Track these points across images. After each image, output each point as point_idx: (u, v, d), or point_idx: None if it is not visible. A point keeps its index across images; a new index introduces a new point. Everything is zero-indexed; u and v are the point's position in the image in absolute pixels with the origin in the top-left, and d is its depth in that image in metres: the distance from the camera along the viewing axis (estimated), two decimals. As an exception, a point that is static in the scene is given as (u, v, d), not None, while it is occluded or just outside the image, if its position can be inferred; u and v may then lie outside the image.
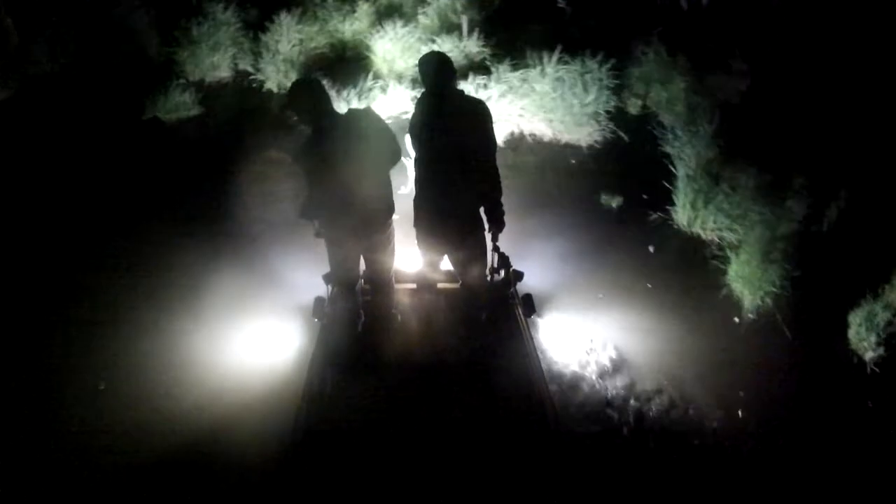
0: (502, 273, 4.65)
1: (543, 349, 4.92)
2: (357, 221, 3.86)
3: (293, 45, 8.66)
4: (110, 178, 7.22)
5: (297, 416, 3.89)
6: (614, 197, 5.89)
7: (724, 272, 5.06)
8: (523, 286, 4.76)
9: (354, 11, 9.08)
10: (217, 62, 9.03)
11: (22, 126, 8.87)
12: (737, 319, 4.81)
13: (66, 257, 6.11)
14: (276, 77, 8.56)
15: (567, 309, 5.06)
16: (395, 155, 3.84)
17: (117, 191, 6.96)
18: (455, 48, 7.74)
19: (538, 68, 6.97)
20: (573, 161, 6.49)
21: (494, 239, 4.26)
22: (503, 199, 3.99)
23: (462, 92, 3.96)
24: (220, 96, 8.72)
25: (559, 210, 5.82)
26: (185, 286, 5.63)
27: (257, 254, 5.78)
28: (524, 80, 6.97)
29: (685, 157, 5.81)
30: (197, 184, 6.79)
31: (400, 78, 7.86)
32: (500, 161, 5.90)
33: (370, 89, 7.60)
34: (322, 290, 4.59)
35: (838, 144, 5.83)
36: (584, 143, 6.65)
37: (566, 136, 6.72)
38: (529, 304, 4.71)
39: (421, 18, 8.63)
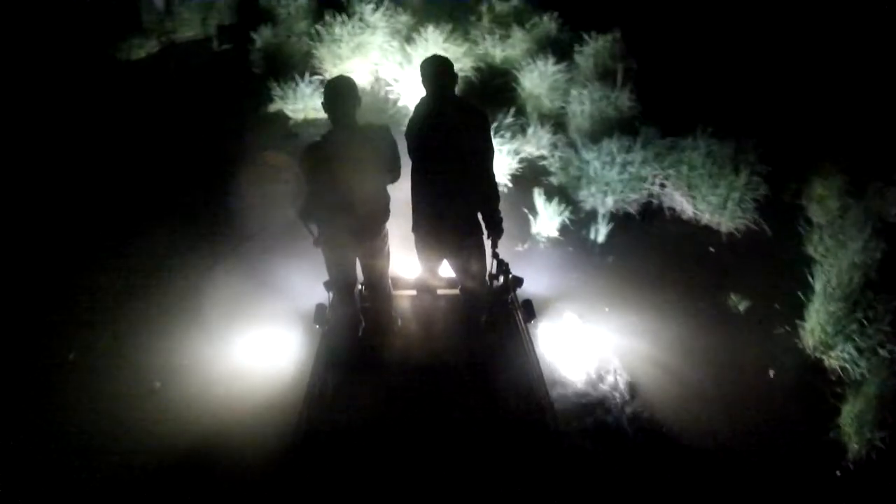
0: (501, 279, 5.19)
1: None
2: (354, 225, 4.29)
3: None
4: (209, 165, 8.11)
5: (299, 419, 4.31)
6: (743, 300, 6.10)
7: (838, 412, 5.14)
8: (523, 293, 5.38)
9: (509, 37, 9.66)
10: (357, 65, 9.78)
11: (148, 86, 10.15)
12: (838, 473, 4.89)
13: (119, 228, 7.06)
14: (415, 93, 9.25)
15: (675, 429, 5.18)
16: (395, 175, 4.33)
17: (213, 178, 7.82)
18: (605, 98, 8.20)
19: (690, 139, 7.29)
20: (710, 248, 6.80)
21: (494, 245, 4.73)
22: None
23: (462, 98, 4.31)
24: None
25: (683, 303, 6.11)
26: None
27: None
28: (672, 149, 7.31)
29: (827, 268, 6.01)
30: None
31: (543, 119, 8.32)
32: (633, 230, 6.38)
33: (509, 126, 8.05)
34: (323, 297, 5.11)
35: None
36: (724, 229, 6.93)
37: (706, 217, 7.04)
38: (529, 310, 5.17)
39: (577, 58, 9.14)
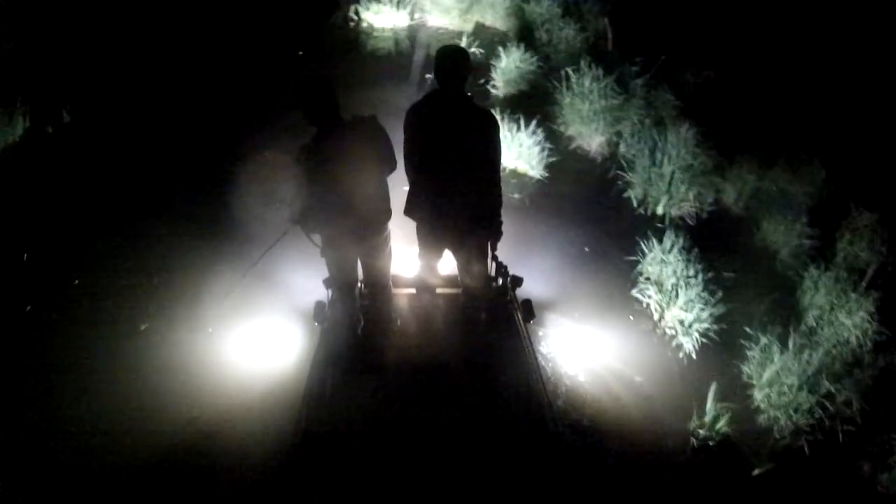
0: (500, 281, 5.59)
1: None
2: (355, 224, 4.56)
3: (679, 167, 8.65)
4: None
5: (298, 417, 4.64)
6: None
7: None
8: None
9: (771, 166, 8.94)
10: (594, 128, 9.48)
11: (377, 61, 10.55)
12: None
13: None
14: (642, 188, 8.80)
15: None
16: (392, 165, 4.62)
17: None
18: (845, 298, 7.33)
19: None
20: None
21: (493, 248, 5.06)
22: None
23: (470, 98, 4.47)
24: (568, 169, 9.30)
25: None
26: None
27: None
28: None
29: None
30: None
31: (763, 291, 7.67)
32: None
33: (724, 282, 7.49)
34: (323, 294, 5.42)
35: None
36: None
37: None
38: (528, 309, 5.52)
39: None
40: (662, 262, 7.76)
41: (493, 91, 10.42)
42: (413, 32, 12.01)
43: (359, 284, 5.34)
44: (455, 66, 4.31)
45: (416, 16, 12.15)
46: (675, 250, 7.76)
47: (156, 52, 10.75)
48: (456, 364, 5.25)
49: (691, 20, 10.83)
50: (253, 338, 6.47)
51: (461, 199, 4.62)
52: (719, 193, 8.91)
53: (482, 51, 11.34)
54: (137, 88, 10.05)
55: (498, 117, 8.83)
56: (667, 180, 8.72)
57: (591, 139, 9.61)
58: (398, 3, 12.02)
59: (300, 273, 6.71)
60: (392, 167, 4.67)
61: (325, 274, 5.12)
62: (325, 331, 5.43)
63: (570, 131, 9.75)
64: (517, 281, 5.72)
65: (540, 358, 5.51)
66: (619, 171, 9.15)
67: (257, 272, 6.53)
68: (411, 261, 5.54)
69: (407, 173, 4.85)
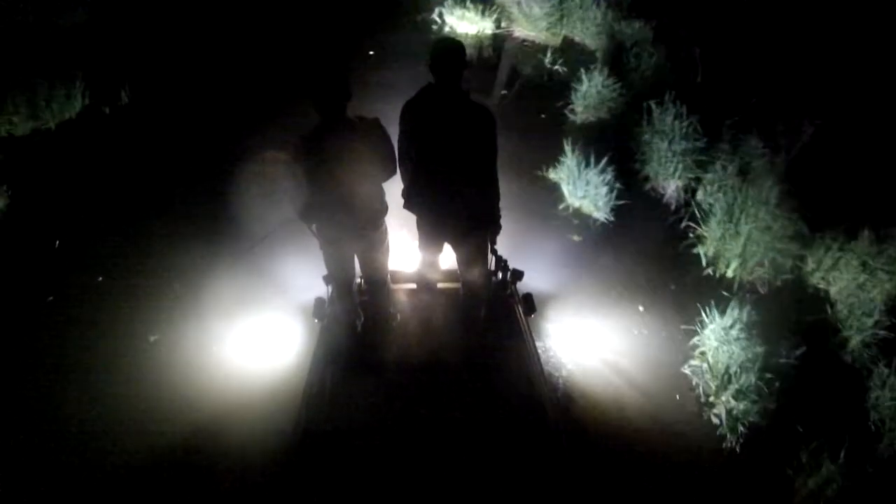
0: (500, 275, 5.61)
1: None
2: (352, 220, 4.62)
3: (757, 228, 8.07)
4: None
5: (298, 415, 4.69)
6: None
7: None
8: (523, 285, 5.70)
9: (854, 237, 8.12)
10: (671, 170, 8.94)
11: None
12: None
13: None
14: (714, 245, 8.26)
15: None
16: (392, 169, 4.68)
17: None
18: None
19: None
20: None
21: (492, 242, 5.18)
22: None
23: (467, 93, 4.48)
24: (637, 213, 8.82)
25: None
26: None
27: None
28: None
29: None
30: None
31: None
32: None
33: (797, 369, 6.93)
34: (322, 290, 5.45)
35: None
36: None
37: None
38: (529, 303, 5.59)
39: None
40: (721, 337, 7.24)
41: (570, 116, 9.89)
42: (498, 42, 11.54)
43: (357, 280, 5.45)
44: (452, 60, 4.36)
45: (503, 24, 11.64)
46: (737, 328, 7.20)
47: (218, 45, 10.94)
48: (456, 359, 5.31)
49: (794, 65, 10.01)
50: (253, 335, 6.55)
51: (460, 194, 4.69)
52: (797, 262, 8.17)
53: (565, 69, 10.81)
54: (192, 78, 10.24)
55: (569, 148, 8.53)
56: (742, 241, 8.10)
57: (667, 182, 9.02)
58: (483, 10, 11.53)
59: (300, 269, 6.81)
60: (390, 173, 4.74)
61: (325, 270, 5.19)
62: (324, 328, 5.48)
63: (646, 170, 9.18)
64: (517, 275, 5.70)
65: (540, 351, 5.61)
66: (690, 223, 8.56)
67: (257, 270, 6.89)
68: (411, 256, 5.64)
69: (401, 168, 4.89)
